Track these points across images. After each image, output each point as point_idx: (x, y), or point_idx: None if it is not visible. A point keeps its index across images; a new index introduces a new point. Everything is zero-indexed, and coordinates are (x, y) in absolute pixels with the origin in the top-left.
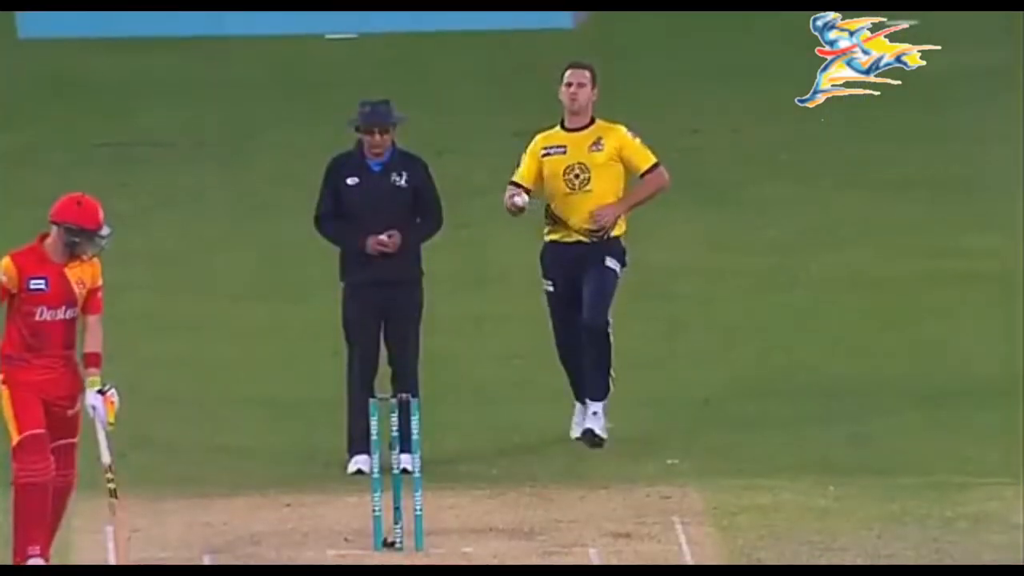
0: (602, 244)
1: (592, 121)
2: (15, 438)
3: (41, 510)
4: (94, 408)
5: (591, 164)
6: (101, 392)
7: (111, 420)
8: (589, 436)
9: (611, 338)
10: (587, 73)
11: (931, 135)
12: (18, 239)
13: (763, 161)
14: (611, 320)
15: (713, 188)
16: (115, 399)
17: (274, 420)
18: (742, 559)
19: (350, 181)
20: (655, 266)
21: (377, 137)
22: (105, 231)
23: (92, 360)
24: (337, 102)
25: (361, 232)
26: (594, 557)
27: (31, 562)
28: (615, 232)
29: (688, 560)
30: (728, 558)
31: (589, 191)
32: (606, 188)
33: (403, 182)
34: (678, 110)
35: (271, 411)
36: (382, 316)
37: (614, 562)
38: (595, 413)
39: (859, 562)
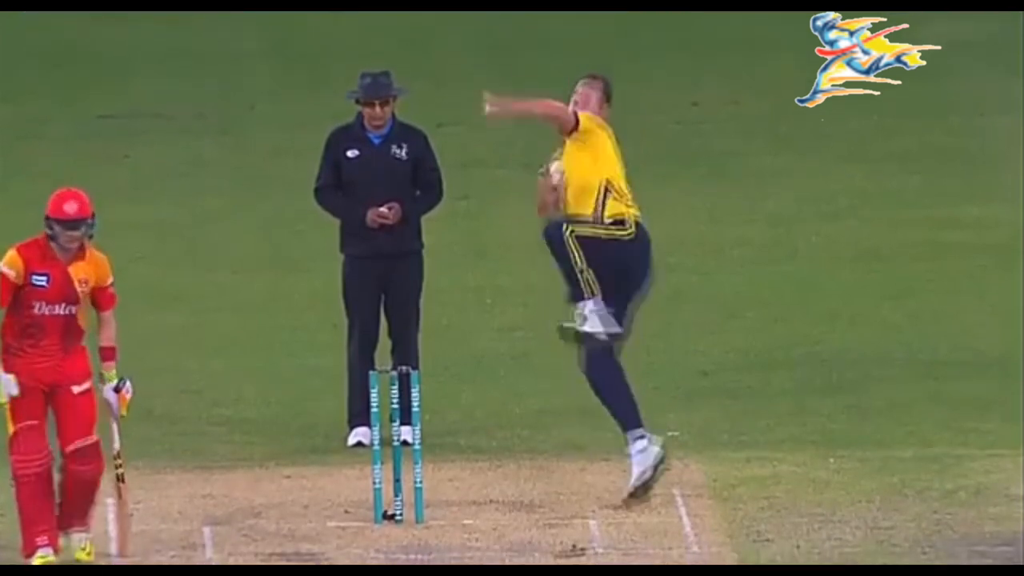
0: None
1: None
2: (11, 429)
3: (43, 500)
4: (109, 403)
5: (564, 152)
6: (117, 390)
7: (124, 413)
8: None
9: (570, 248)
10: (599, 83)
11: (931, 106)
12: (18, 210)
13: (763, 133)
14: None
15: (713, 160)
16: (129, 394)
17: (274, 392)
18: (742, 531)
19: (350, 153)
20: (655, 238)
21: (377, 109)
22: (79, 220)
23: (108, 354)
24: (337, 74)
25: (361, 204)
26: (594, 529)
27: (40, 552)
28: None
29: (688, 531)
30: (728, 530)
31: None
32: (571, 171)
33: (403, 154)
34: (678, 83)
35: (271, 383)
36: (382, 288)
37: (614, 534)
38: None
39: (859, 535)
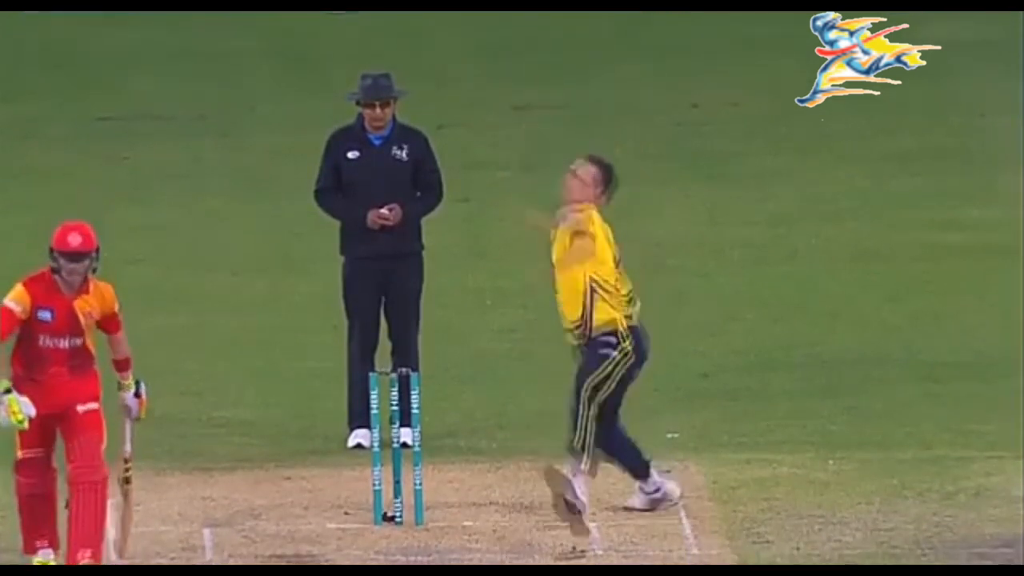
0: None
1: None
2: (17, 454)
3: (44, 512)
4: (129, 408)
5: (555, 251)
6: (137, 395)
7: (142, 416)
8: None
9: (585, 409)
10: (591, 169)
11: (932, 107)
12: (16, 213)
13: (763, 134)
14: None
15: (713, 161)
16: (145, 396)
17: (274, 394)
18: (742, 533)
19: (351, 155)
20: (655, 239)
21: (378, 111)
22: (83, 253)
23: (123, 365)
24: (337, 75)
25: (361, 206)
26: (594, 531)
27: (40, 553)
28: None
29: (688, 533)
30: (728, 532)
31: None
32: (561, 273)
33: (404, 156)
34: (677, 84)
35: (271, 385)
36: (382, 290)
37: (614, 536)
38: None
39: (859, 536)
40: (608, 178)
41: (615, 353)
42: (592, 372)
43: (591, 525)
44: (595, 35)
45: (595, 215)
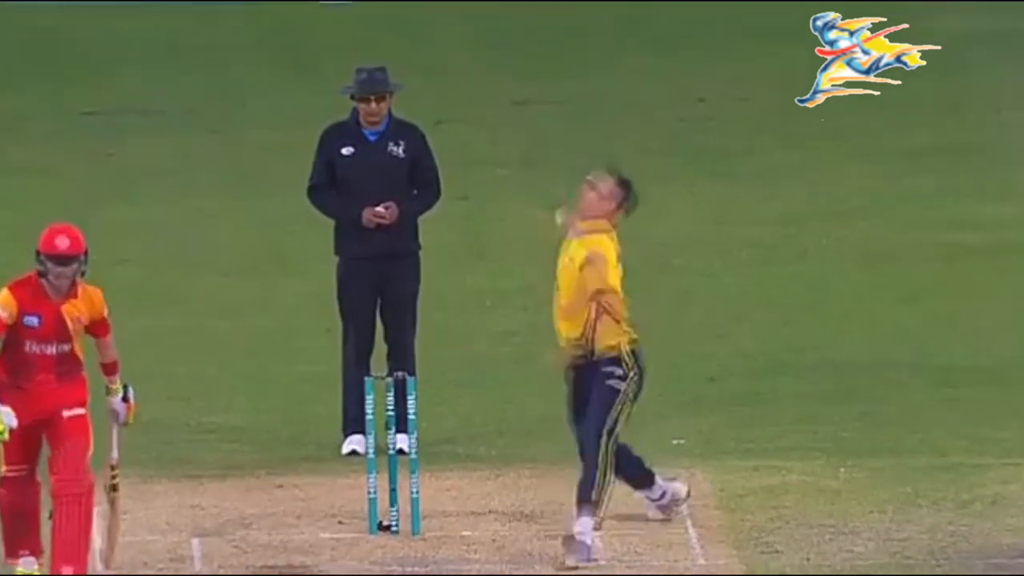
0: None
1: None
2: (2, 469)
3: (27, 526)
4: (116, 413)
5: (561, 269)
6: (125, 400)
7: (130, 421)
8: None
9: (604, 459)
10: (610, 183)
11: (945, 101)
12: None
13: (771, 130)
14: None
15: (719, 158)
16: (133, 401)
17: (266, 399)
18: (750, 543)
19: (345, 151)
20: (660, 238)
21: (373, 105)
22: (71, 256)
23: (110, 369)
24: (331, 68)
25: (356, 204)
26: (597, 540)
27: (22, 561)
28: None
29: (694, 542)
30: (735, 541)
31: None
32: (567, 286)
33: (400, 152)
34: (682, 77)
35: (263, 389)
36: (378, 291)
37: (617, 546)
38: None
39: (871, 546)
40: (626, 195)
41: (624, 386)
42: (605, 414)
43: (595, 533)
44: (596, 27)
45: (608, 242)
